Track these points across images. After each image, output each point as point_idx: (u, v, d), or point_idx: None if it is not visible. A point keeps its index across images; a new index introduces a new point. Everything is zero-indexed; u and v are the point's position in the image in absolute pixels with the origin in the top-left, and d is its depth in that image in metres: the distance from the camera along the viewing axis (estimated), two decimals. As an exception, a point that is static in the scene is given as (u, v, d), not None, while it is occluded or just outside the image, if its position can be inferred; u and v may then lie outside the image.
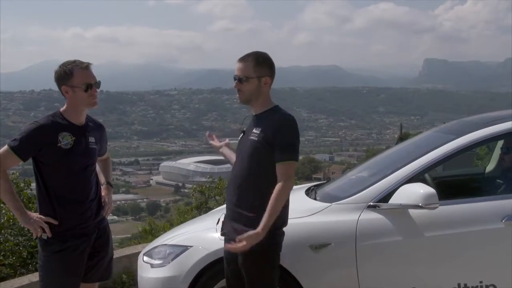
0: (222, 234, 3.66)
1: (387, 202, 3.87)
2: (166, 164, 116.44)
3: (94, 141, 3.62)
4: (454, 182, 5.09)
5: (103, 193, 3.77)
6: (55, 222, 3.45)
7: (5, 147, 3.43)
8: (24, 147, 3.39)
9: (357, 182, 4.55)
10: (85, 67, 3.46)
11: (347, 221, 3.88)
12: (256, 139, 3.42)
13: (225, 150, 4.08)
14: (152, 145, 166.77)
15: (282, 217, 3.43)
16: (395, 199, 3.84)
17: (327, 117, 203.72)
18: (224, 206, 5.63)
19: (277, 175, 3.34)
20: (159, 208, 73.07)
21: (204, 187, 14.02)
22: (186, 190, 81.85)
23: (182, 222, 13.16)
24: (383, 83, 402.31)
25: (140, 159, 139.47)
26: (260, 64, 3.45)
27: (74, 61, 3.46)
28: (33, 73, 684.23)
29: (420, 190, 3.74)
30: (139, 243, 11.53)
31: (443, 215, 3.84)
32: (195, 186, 15.37)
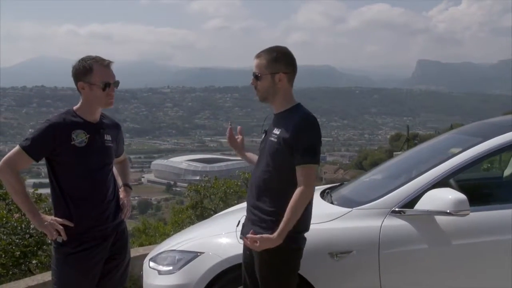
0: (241, 237, 3.42)
1: (413, 208, 3.66)
2: (158, 162, 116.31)
3: (110, 139, 3.43)
4: (473, 186, 4.80)
5: (121, 195, 3.59)
6: (71, 224, 3.25)
7: (17, 147, 3.24)
8: (36, 147, 3.21)
9: (377, 186, 4.37)
10: (106, 65, 3.27)
11: (370, 228, 3.68)
12: (275, 140, 3.22)
13: (249, 154, 3.80)
14: (144, 143, 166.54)
15: (304, 221, 3.24)
16: (421, 205, 3.63)
17: (319, 117, 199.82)
18: (229, 210, 5.48)
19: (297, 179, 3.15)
20: (151, 206, 73.00)
21: (199, 186, 13.83)
22: (178, 189, 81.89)
23: (176, 222, 13.07)
24: (376, 83, 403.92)
25: (132, 156, 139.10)
26: (274, 60, 3.24)
27: (95, 57, 3.26)
28: (25, 69, 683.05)
29: (449, 195, 3.53)
30: (132, 242, 11.38)
31: (470, 222, 3.62)
32: (190, 185, 15.20)
